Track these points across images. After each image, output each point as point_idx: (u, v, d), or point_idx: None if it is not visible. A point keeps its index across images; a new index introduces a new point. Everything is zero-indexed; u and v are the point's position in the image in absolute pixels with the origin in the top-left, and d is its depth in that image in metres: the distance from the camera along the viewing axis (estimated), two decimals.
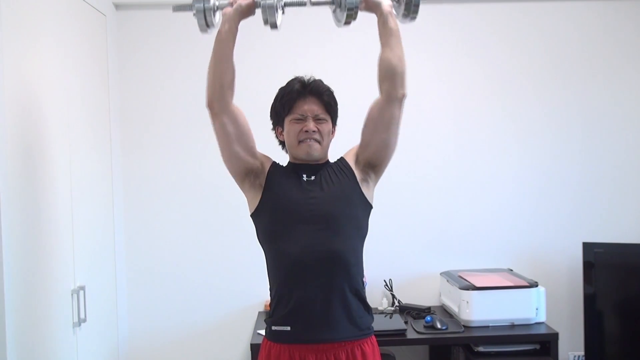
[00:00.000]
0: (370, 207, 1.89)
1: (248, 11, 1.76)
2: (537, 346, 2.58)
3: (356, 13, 1.75)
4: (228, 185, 1.92)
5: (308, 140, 1.81)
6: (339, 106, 1.91)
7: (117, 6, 2.92)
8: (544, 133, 3.01)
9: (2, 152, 1.83)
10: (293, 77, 1.87)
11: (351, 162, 1.88)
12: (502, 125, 3.01)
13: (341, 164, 1.89)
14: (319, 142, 1.82)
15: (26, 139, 2.01)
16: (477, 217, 3.01)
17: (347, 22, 1.78)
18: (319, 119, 1.82)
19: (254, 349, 2.45)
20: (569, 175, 3.01)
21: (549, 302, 2.75)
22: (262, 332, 2.13)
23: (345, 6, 1.73)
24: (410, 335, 2.56)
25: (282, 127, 1.87)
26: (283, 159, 1.93)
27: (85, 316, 2.34)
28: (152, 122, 2.97)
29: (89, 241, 2.51)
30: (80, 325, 2.32)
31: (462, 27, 2.99)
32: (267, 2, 1.72)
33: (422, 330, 2.59)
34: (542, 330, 2.61)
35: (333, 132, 1.91)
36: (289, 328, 1.76)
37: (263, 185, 1.83)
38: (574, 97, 3.00)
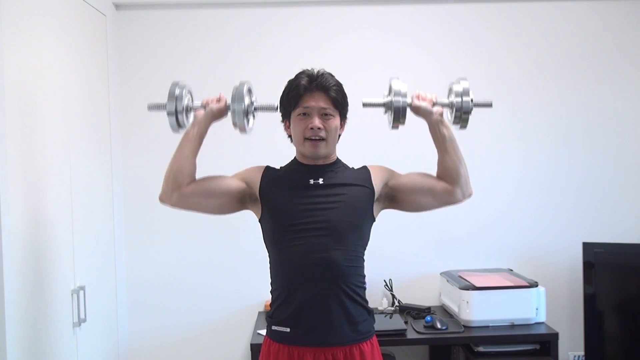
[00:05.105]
0: (374, 220, 1.88)
1: (219, 114, 1.81)
2: (537, 346, 2.58)
3: (404, 118, 1.79)
4: None
5: (313, 137, 1.77)
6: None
7: (117, 6, 2.91)
8: (544, 133, 3.00)
9: (2, 152, 1.84)
10: (301, 70, 1.81)
11: (377, 178, 1.86)
12: (502, 125, 3.00)
13: (363, 174, 1.86)
14: (325, 140, 1.78)
15: (26, 138, 2.01)
16: (477, 217, 3.01)
17: (395, 127, 1.82)
18: (326, 114, 1.77)
19: (254, 349, 2.45)
20: (569, 175, 3.01)
21: (549, 302, 2.75)
22: (262, 332, 2.13)
23: (393, 111, 1.77)
24: (410, 335, 2.56)
25: (290, 121, 1.83)
26: (285, 160, 1.93)
27: (85, 316, 2.34)
28: (152, 122, 2.93)
29: (89, 241, 2.51)
30: (80, 325, 2.32)
31: (462, 28, 2.98)
32: (238, 107, 1.76)
33: (422, 330, 2.58)
34: (542, 330, 2.61)
35: (342, 126, 1.86)
36: (288, 330, 1.76)
37: (259, 196, 1.82)
38: (574, 97, 3.00)
